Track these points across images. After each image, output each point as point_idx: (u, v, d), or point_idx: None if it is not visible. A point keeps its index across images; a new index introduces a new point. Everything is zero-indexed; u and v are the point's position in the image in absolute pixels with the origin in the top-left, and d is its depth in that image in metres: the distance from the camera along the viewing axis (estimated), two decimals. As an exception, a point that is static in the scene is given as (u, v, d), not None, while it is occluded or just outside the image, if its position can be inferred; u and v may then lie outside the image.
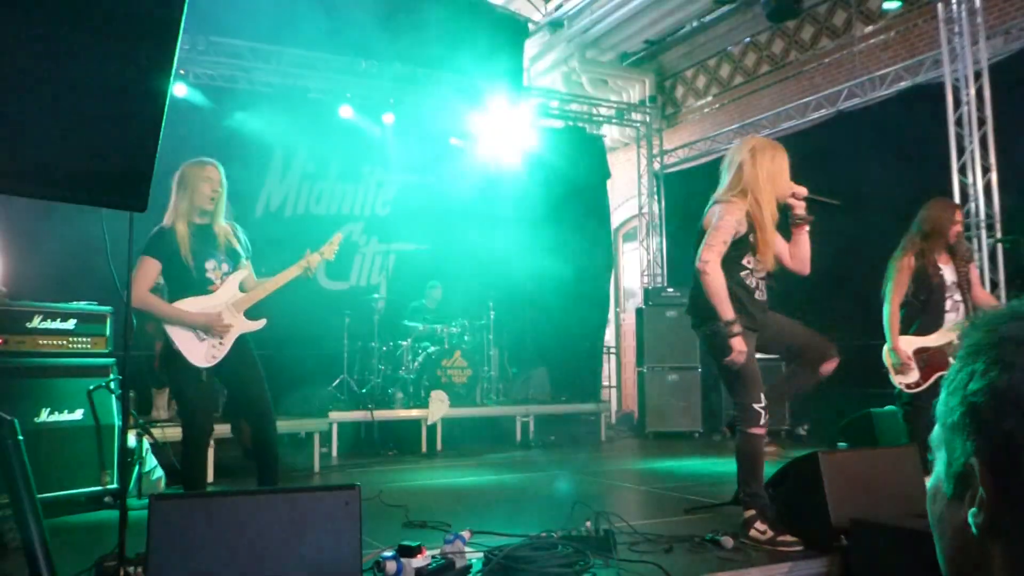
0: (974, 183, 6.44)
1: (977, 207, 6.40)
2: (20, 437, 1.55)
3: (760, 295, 3.44)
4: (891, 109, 7.40)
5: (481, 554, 2.87)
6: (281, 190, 8.11)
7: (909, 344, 4.31)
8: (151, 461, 4.74)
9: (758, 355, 3.41)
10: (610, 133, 11.03)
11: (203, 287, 3.57)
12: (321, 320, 7.32)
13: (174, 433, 4.48)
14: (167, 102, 1.40)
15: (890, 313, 4.32)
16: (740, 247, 3.37)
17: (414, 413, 7.01)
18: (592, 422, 8.38)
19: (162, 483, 4.74)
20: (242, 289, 3.69)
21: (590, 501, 3.85)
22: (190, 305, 3.53)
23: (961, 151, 6.53)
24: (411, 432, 7.03)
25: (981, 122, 6.47)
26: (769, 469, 3.42)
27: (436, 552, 2.83)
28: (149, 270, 3.51)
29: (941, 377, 4.17)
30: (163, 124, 1.40)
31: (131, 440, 4.47)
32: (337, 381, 7.38)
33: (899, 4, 7.77)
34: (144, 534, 2.14)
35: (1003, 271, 6.29)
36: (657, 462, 6.42)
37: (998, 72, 6.47)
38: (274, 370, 3.83)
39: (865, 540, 2.94)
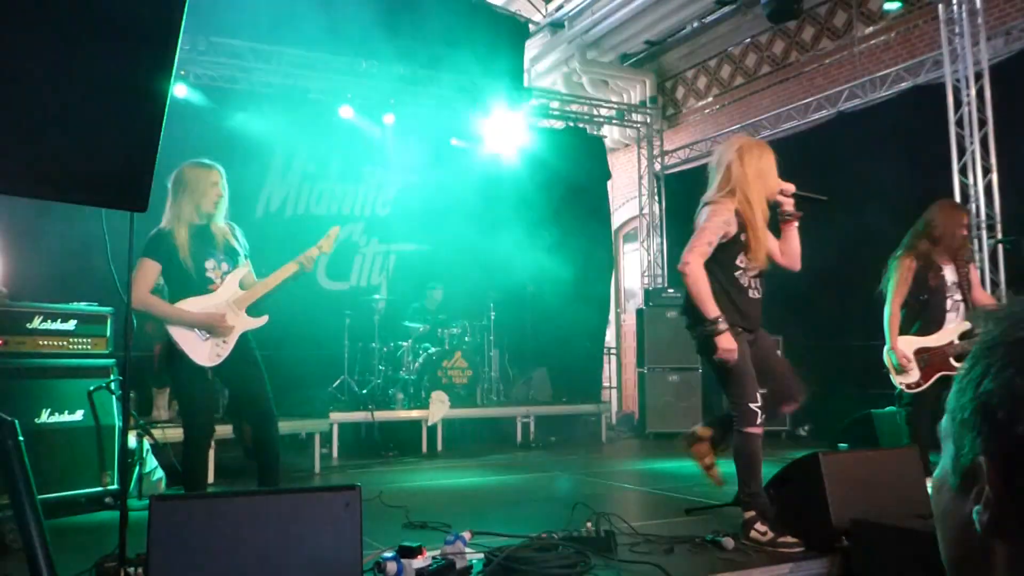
0: (975, 184, 6.44)
1: (978, 208, 6.39)
2: (20, 438, 1.55)
3: (754, 293, 3.44)
4: (892, 110, 7.39)
5: (482, 555, 2.87)
6: (281, 190, 8.09)
7: (910, 344, 4.31)
8: (151, 462, 4.75)
9: None
10: (611, 134, 11.02)
11: (203, 287, 3.57)
12: (321, 321, 7.30)
13: (174, 434, 4.48)
14: (167, 102, 1.40)
15: (890, 313, 4.31)
16: (732, 246, 3.36)
17: (415, 414, 7.01)
18: (593, 423, 8.37)
19: (162, 484, 4.74)
20: (242, 287, 3.69)
21: (591, 502, 3.84)
22: (191, 305, 3.53)
23: (962, 152, 6.52)
24: (412, 433, 7.03)
25: (982, 123, 6.47)
26: (770, 470, 3.42)
27: (437, 553, 2.82)
28: (149, 272, 3.50)
29: (942, 377, 4.19)
30: (163, 124, 1.39)
31: (131, 441, 4.47)
32: (338, 382, 7.37)
33: (900, 5, 7.76)
34: (144, 535, 2.14)
35: (1004, 272, 6.29)
36: (658, 463, 6.42)
37: (999, 73, 6.47)
38: (274, 370, 3.83)
39: (866, 541, 2.94)
